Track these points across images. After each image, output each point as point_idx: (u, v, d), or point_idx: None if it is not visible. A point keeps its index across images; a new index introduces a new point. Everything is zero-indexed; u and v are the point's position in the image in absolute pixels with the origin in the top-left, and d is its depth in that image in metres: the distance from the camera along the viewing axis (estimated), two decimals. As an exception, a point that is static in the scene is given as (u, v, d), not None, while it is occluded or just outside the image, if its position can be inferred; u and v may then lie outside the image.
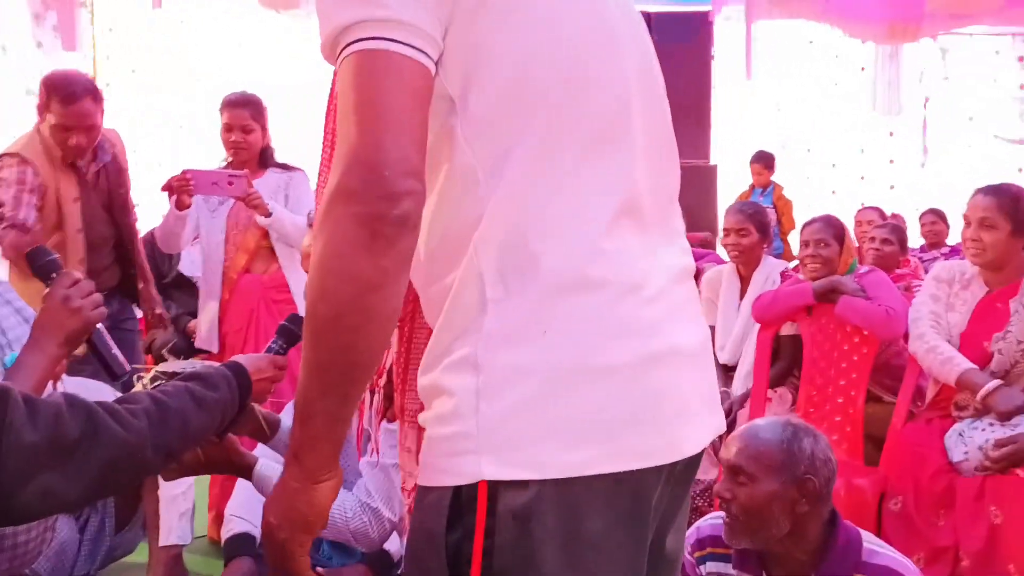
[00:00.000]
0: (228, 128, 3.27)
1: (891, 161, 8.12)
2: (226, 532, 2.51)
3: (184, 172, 3.10)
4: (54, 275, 1.55)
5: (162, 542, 2.60)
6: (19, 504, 1.05)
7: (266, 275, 3.31)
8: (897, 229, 4.29)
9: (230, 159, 3.32)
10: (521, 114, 0.95)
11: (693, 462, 1.06)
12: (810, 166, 8.15)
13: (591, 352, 0.94)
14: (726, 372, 3.44)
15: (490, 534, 0.92)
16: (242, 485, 2.56)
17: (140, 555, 2.75)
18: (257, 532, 2.51)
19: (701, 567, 1.76)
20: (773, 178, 6.57)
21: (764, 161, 6.48)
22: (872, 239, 4.26)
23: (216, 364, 1.39)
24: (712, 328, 3.51)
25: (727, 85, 7.49)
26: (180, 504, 2.62)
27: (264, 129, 3.33)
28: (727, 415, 3.22)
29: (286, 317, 1.61)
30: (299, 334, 1.52)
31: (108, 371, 1.57)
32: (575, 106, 0.97)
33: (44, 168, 2.86)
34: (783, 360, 3.28)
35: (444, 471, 0.94)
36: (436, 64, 0.92)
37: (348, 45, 0.90)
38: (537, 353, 0.93)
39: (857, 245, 4.54)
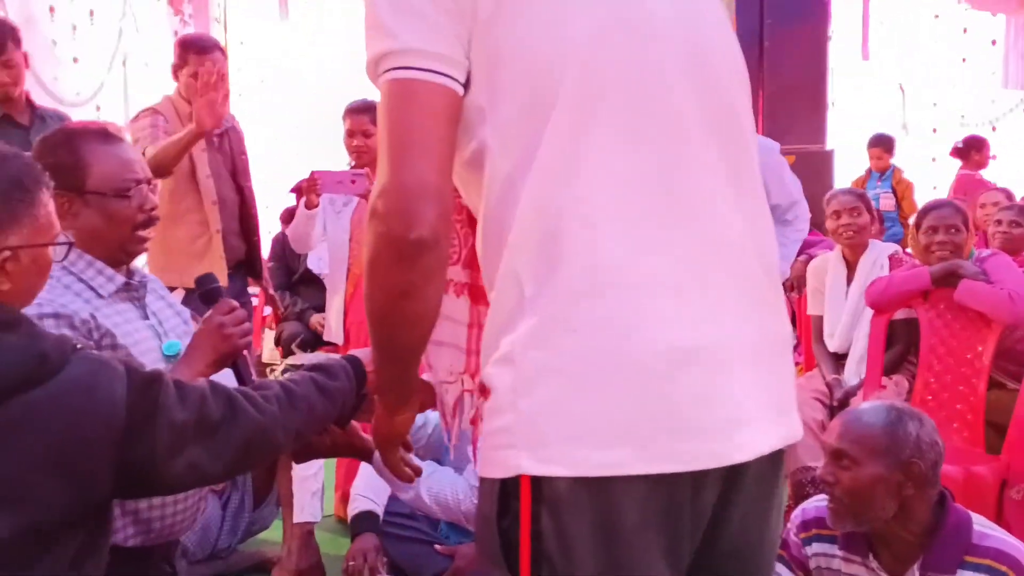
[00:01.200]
0: (350, 134, 3.47)
1: (1026, 137, 7.69)
2: (352, 510, 2.68)
3: (312, 173, 3.32)
4: (219, 300, 1.66)
5: (295, 519, 2.78)
6: (170, 475, 1.20)
7: None
8: (1024, 210, 4.09)
9: (353, 163, 3.51)
10: (540, 117, 0.97)
11: (760, 469, 1.03)
12: (936, 147, 7.81)
13: (622, 350, 0.95)
14: (837, 360, 3.39)
15: (535, 520, 0.97)
16: (366, 467, 2.72)
17: (275, 532, 2.96)
18: (380, 510, 2.67)
19: (807, 548, 1.78)
20: (892, 161, 6.33)
21: (884, 144, 6.24)
22: (999, 222, 4.08)
23: (337, 356, 1.52)
24: (819, 317, 3.48)
25: (845, 66, 7.26)
26: (311, 484, 2.80)
27: None
28: (841, 404, 3.18)
29: None
30: None
31: None
32: (595, 103, 0.98)
33: (174, 123, 3.16)
34: (899, 346, 3.22)
35: (492, 463, 1.01)
36: (465, 81, 0.99)
37: (381, 74, 1.00)
38: (566, 351, 0.96)
39: (981, 229, 4.39)
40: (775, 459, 1.06)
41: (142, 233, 1.70)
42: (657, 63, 1.00)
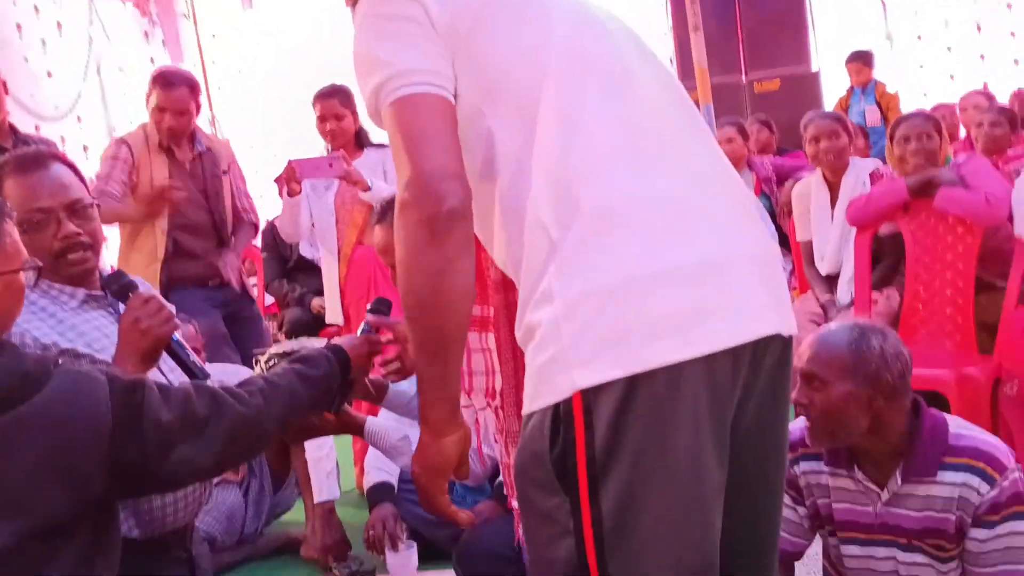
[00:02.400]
0: (322, 119, 3.51)
1: (1012, 35, 7.57)
2: (367, 483, 2.76)
3: (289, 162, 3.35)
4: (130, 295, 1.66)
5: (315, 499, 2.87)
6: (164, 472, 1.27)
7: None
8: (1005, 110, 4.08)
9: (330, 147, 3.55)
10: (534, 98, 1.12)
11: (775, 356, 1.15)
12: (923, 54, 7.71)
13: (649, 261, 1.07)
14: (829, 281, 3.42)
15: (590, 436, 1.05)
16: (377, 439, 2.81)
17: (299, 513, 3.06)
18: (393, 480, 2.75)
19: (795, 468, 1.84)
20: (875, 75, 6.26)
21: (862, 59, 6.16)
22: (979, 124, 4.08)
23: (319, 346, 1.56)
24: (808, 242, 3.51)
25: (822, -15, 7.16)
26: (325, 464, 2.88)
27: (355, 114, 3.54)
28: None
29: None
30: (384, 312, 1.68)
31: (190, 375, 1.69)
32: (581, 78, 1.14)
33: (140, 150, 3.29)
34: (887, 260, 3.24)
35: (542, 394, 1.09)
36: (455, 91, 1.14)
37: (384, 101, 1.12)
38: (601, 270, 1.07)
39: (965, 133, 4.38)
40: (786, 349, 1.18)
41: (71, 257, 1.70)
42: (619, 49, 1.20)
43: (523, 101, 1.13)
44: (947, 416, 1.72)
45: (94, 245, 1.75)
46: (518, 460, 1.14)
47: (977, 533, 1.63)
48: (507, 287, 1.44)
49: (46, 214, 1.67)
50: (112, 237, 3.38)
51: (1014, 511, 1.61)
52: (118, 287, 1.70)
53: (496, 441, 1.51)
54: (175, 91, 3.27)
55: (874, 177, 3.32)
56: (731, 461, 1.16)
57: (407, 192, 1.08)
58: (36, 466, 1.17)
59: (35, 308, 1.64)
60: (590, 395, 1.05)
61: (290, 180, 3.35)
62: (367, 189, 3.36)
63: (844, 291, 3.31)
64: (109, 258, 3.71)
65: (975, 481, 1.61)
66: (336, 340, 1.59)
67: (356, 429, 1.91)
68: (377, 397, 2.03)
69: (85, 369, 1.28)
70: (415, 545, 2.61)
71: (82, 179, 1.80)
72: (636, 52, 1.23)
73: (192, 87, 3.34)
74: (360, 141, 3.56)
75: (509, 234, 1.15)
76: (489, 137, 1.14)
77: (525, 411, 1.14)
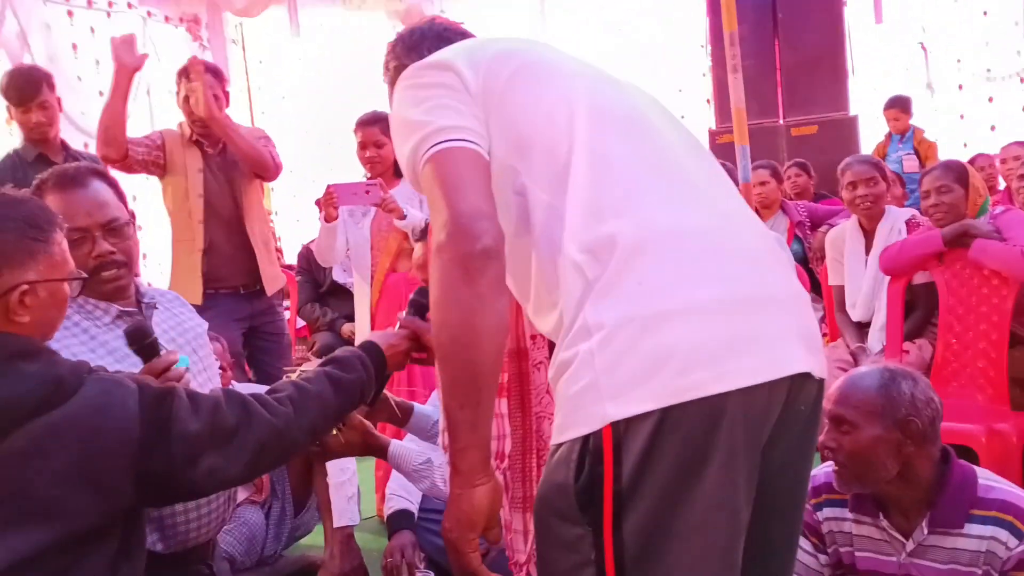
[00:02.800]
0: (363, 146, 3.56)
1: (1055, 86, 7.50)
2: (387, 509, 2.77)
3: (327, 187, 3.41)
4: (155, 355, 1.56)
5: (335, 524, 2.87)
6: (191, 482, 1.28)
7: (410, 272, 3.57)
8: (1045, 162, 4.04)
9: (369, 175, 3.60)
10: (565, 151, 1.18)
11: (807, 397, 1.15)
12: (964, 104, 7.67)
13: (684, 293, 1.09)
14: (860, 329, 3.39)
15: (617, 468, 1.05)
16: (399, 467, 2.82)
17: (318, 536, 3.06)
18: (414, 508, 2.76)
19: (818, 513, 1.82)
20: (913, 122, 6.23)
21: (900, 105, 6.14)
22: (1021, 176, 4.04)
23: (352, 347, 1.54)
24: (840, 287, 3.49)
25: (862, 30, 7.16)
26: (347, 489, 2.89)
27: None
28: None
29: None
30: (426, 304, 1.66)
31: None
32: (604, 128, 1.20)
33: (174, 143, 3.40)
34: (920, 310, 3.21)
35: (572, 425, 1.10)
36: (490, 150, 1.20)
37: (422, 158, 1.18)
38: (636, 302, 1.09)
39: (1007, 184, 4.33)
40: (818, 391, 1.19)
41: (105, 275, 1.73)
42: (634, 100, 1.28)
43: (554, 154, 1.18)
44: (976, 468, 1.70)
45: (128, 263, 1.79)
46: (541, 490, 1.15)
47: None
48: (521, 356, 1.48)
49: (82, 233, 1.71)
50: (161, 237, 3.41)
51: None
52: (144, 346, 1.59)
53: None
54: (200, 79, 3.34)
55: (910, 225, 3.30)
56: (758, 502, 1.15)
57: (443, 232, 1.12)
58: (66, 473, 1.19)
59: (69, 323, 1.68)
60: (621, 427, 1.05)
61: (328, 205, 3.41)
62: (402, 217, 3.40)
63: (875, 339, 3.28)
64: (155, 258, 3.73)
65: (1003, 535, 1.59)
66: (372, 335, 1.56)
67: (380, 452, 1.93)
68: (402, 420, 2.06)
69: (117, 377, 1.30)
70: (432, 574, 2.60)
71: (122, 196, 1.84)
72: (650, 105, 1.29)
73: (216, 73, 3.46)
74: (398, 170, 3.60)
75: (547, 282, 1.18)
76: (523, 192, 1.19)
77: (553, 442, 1.14)
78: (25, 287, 1.27)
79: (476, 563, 1.15)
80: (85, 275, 1.42)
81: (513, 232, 1.20)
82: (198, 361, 1.87)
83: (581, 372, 1.09)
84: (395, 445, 1.99)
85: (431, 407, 2.19)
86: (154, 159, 3.40)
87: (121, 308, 1.76)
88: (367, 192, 3.35)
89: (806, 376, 1.14)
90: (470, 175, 1.15)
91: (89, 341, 1.69)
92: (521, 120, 1.20)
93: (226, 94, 3.49)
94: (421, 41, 1.41)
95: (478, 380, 1.11)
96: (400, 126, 1.23)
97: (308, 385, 1.40)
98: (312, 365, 1.74)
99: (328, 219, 3.44)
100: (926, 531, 1.66)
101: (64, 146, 3.47)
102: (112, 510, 1.24)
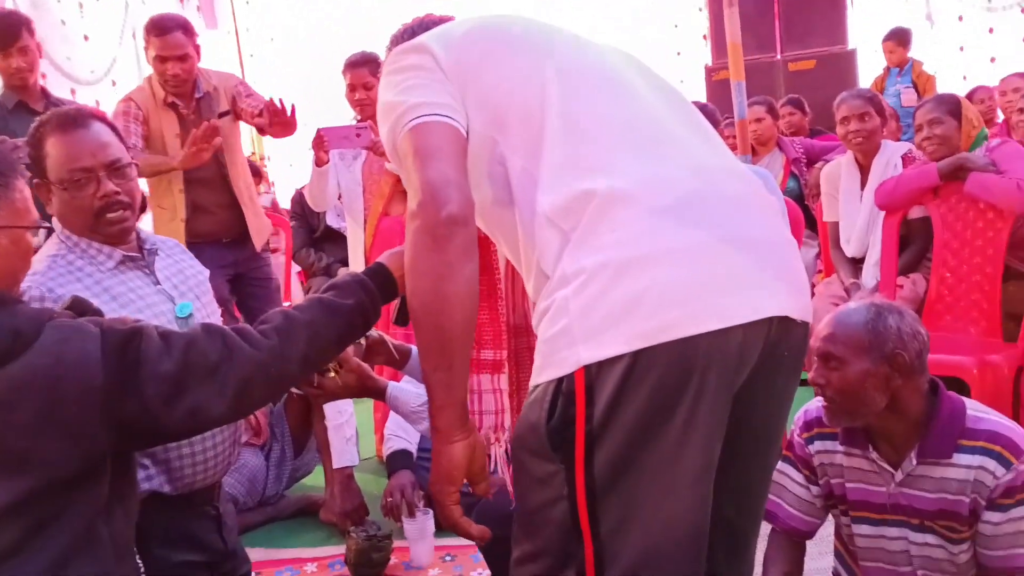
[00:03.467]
0: (351, 88, 3.51)
1: (1058, 16, 7.38)
2: (386, 450, 2.80)
3: (317, 131, 3.36)
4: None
5: (334, 465, 2.91)
6: (172, 423, 1.23)
7: (404, 215, 3.54)
8: (1044, 94, 4.00)
9: (358, 117, 3.55)
10: (538, 118, 1.20)
11: (791, 339, 1.16)
12: (962, 36, 7.56)
13: (658, 240, 1.10)
14: (855, 264, 3.39)
15: (589, 418, 1.08)
16: (396, 408, 2.85)
17: (318, 477, 3.11)
18: (413, 448, 2.79)
19: (810, 447, 1.84)
20: (911, 55, 6.14)
21: (897, 37, 6.01)
22: (1020, 109, 4.00)
23: (354, 271, 1.46)
24: (835, 223, 3.48)
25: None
26: (345, 431, 2.92)
27: None
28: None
29: None
30: None
31: None
32: (575, 90, 1.21)
33: (148, 106, 3.28)
34: (915, 245, 3.21)
35: (548, 367, 1.13)
36: (468, 126, 1.22)
37: (400, 135, 1.21)
38: (611, 249, 1.10)
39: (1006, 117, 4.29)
40: (801, 335, 1.20)
41: (110, 216, 1.72)
42: (609, 61, 1.28)
43: (528, 121, 1.20)
44: (965, 399, 1.71)
45: (132, 204, 1.76)
46: (516, 429, 1.19)
47: (991, 516, 1.62)
48: (524, 332, 1.50)
49: (87, 173, 1.68)
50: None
51: None
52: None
53: (503, 472, 1.55)
54: (171, 36, 3.22)
55: (906, 160, 3.28)
56: (732, 441, 1.17)
57: (413, 201, 1.16)
58: (33, 424, 1.16)
59: (72, 268, 1.67)
60: (593, 370, 1.08)
61: (318, 149, 3.37)
62: None
63: (869, 275, 3.28)
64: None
65: (991, 464, 1.61)
66: (383, 256, 1.47)
67: (378, 393, 1.94)
68: (400, 363, 2.06)
69: (78, 323, 1.24)
70: (431, 512, 2.64)
71: (121, 139, 1.81)
72: (626, 63, 1.30)
73: (187, 30, 3.29)
74: None
75: (530, 245, 1.19)
76: (503, 162, 1.21)
77: (531, 383, 1.17)
78: None
79: (457, 514, 1.23)
80: (48, 225, 1.37)
81: (499, 202, 1.22)
82: (201, 308, 1.87)
83: (557, 317, 1.12)
84: (393, 387, 2.00)
85: None
86: (145, 137, 3.29)
87: (125, 253, 1.75)
88: (358, 135, 3.30)
89: (788, 320, 1.14)
90: (440, 145, 1.18)
91: (93, 286, 1.67)
92: (496, 92, 1.23)
93: (196, 48, 3.35)
94: (413, 37, 1.41)
95: (450, 344, 1.15)
96: (382, 110, 1.27)
97: (297, 314, 1.32)
98: None
99: (319, 163, 3.41)
100: (915, 462, 1.68)
101: (45, 93, 3.40)
102: (90, 456, 1.20)
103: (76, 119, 1.73)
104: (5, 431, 1.16)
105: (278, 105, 3.12)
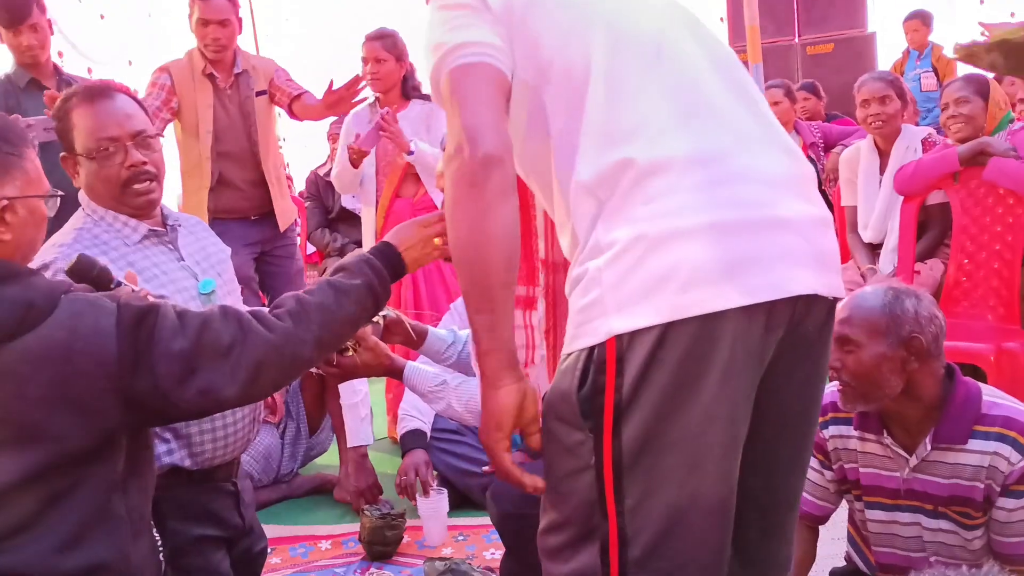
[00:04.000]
0: (364, 61, 3.52)
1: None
2: (400, 429, 2.82)
3: (348, 147, 3.36)
4: (112, 285, 1.48)
5: (348, 444, 2.94)
6: (183, 402, 1.23)
7: (415, 198, 3.56)
8: (1067, 78, 3.94)
9: (373, 93, 3.55)
10: (583, 74, 1.18)
11: (815, 317, 1.16)
12: (984, 18, 7.44)
13: (692, 215, 1.09)
14: (872, 250, 3.37)
15: (618, 388, 1.09)
16: (411, 389, 2.87)
17: (333, 456, 3.14)
18: (427, 428, 2.81)
19: (824, 432, 1.84)
20: (932, 38, 6.05)
21: (920, 17, 5.92)
22: (1040, 94, 3.96)
23: (361, 250, 1.48)
24: (853, 208, 3.46)
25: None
26: (359, 410, 2.95)
27: (400, 60, 3.52)
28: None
29: None
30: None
31: None
32: (622, 53, 1.19)
33: (183, 77, 3.36)
34: (933, 231, 3.19)
35: (580, 336, 1.14)
36: (512, 67, 1.20)
37: (443, 76, 1.19)
38: (645, 222, 1.10)
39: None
40: (829, 312, 1.20)
41: (137, 187, 1.73)
42: (660, 23, 1.24)
43: (571, 77, 1.18)
44: (981, 385, 1.71)
45: (158, 175, 1.77)
46: (548, 397, 1.18)
47: (1005, 503, 1.62)
48: (555, 269, 1.48)
49: (114, 142, 1.70)
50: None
51: None
52: (95, 277, 1.49)
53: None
54: (215, 1, 3.31)
55: (927, 145, 3.25)
56: (761, 419, 1.17)
57: (452, 144, 1.14)
58: (46, 397, 1.17)
59: (97, 241, 1.68)
60: (624, 340, 1.08)
61: (358, 157, 3.38)
62: (409, 152, 3.37)
63: (887, 260, 3.26)
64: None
65: (1006, 450, 1.60)
66: (389, 233, 1.48)
67: (395, 373, 1.96)
68: (416, 343, 2.08)
69: (94, 297, 1.25)
70: (445, 492, 2.66)
71: (145, 111, 1.83)
72: (678, 22, 1.26)
73: None
74: (406, 91, 3.56)
75: (563, 204, 1.19)
76: (543, 113, 1.20)
77: (564, 351, 1.17)
78: (5, 203, 1.23)
79: (507, 463, 1.17)
80: (61, 192, 1.37)
81: (537, 156, 1.22)
82: (223, 285, 1.88)
83: (590, 287, 1.12)
84: (411, 367, 2.01)
85: (445, 331, 2.21)
86: (171, 109, 3.35)
87: (150, 227, 1.76)
88: (381, 130, 3.31)
89: (815, 298, 1.14)
90: (482, 88, 1.16)
91: (119, 260, 1.68)
92: (541, 42, 1.21)
93: (239, 18, 3.43)
94: None
95: (491, 285, 1.13)
96: (426, 47, 1.24)
97: (309, 297, 1.33)
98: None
99: (355, 166, 3.42)
100: (929, 447, 1.67)
101: (57, 71, 3.41)
102: (102, 431, 1.21)
103: (102, 91, 1.75)
104: (19, 403, 1.16)
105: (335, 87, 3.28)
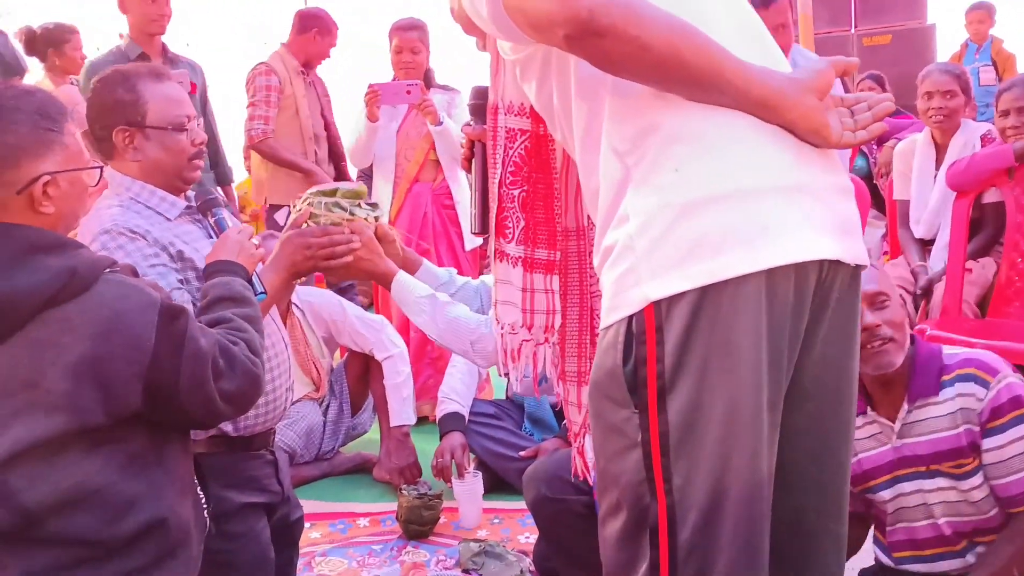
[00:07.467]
0: (398, 50, 3.58)
1: None
2: (440, 411, 2.85)
3: (370, 86, 3.44)
4: (213, 210, 1.81)
5: (392, 423, 2.98)
6: (191, 407, 1.29)
7: (434, 184, 3.61)
8: None
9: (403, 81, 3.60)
10: None
11: (840, 282, 1.16)
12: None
13: (720, 181, 1.09)
14: (923, 246, 3.31)
15: (660, 348, 1.09)
16: (452, 370, 2.90)
17: (373, 437, 3.19)
18: (465, 411, 2.83)
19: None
20: (992, 32, 5.88)
21: (985, 9, 5.74)
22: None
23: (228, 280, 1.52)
24: (905, 202, 3.39)
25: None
26: (402, 390, 2.99)
27: (428, 52, 3.62)
28: (924, 292, 3.13)
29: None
30: (484, 105, 1.50)
31: None
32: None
33: (282, 71, 3.88)
34: (988, 229, 3.12)
35: (616, 308, 1.14)
36: None
37: None
38: (673, 189, 1.10)
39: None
40: (853, 279, 1.20)
41: (197, 162, 1.83)
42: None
43: None
44: (942, 345, 1.79)
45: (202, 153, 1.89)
46: (593, 376, 1.19)
47: (989, 442, 1.66)
48: (578, 235, 1.48)
49: (188, 119, 1.79)
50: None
51: (1018, 414, 1.65)
52: (203, 202, 1.82)
53: (549, 371, 1.53)
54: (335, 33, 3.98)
55: (985, 141, 3.17)
56: (801, 392, 1.17)
57: (545, 19, 1.07)
58: (77, 367, 1.20)
59: (140, 219, 1.73)
60: (662, 308, 1.08)
61: (371, 104, 3.43)
62: (438, 123, 3.41)
63: (938, 257, 3.20)
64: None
65: (970, 387, 1.67)
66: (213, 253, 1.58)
67: (386, 278, 1.92)
68: (409, 271, 2.02)
69: (138, 282, 1.30)
70: (480, 475, 2.69)
71: None
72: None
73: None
74: (428, 80, 3.63)
75: (590, 166, 1.19)
76: (573, 72, 1.18)
77: (601, 326, 1.18)
78: (47, 178, 1.27)
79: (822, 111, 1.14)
80: (102, 164, 1.42)
81: (567, 112, 1.21)
82: None
83: (623, 257, 1.12)
84: (403, 274, 1.96)
85: (443, 270, 2.17)
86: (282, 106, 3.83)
87: (187, 204, 1.83)
88: (408, 92, 3.39)
89: (839, 264, 1.15)
90: None
91: (164, 232, 1.74)
92: None
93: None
94: None
95: (709, 53, 1.08)
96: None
97: (233, 344, 1.38)
98: (325, 186, 1.94)
99: (371, 118, 3.47)
100: (907, 408, 1.73)
101: (164, 49, 3.53)
102: (121, 412, 1.25)
103: (165, 72, 1.84)
104: (49, 369, 1.20)
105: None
